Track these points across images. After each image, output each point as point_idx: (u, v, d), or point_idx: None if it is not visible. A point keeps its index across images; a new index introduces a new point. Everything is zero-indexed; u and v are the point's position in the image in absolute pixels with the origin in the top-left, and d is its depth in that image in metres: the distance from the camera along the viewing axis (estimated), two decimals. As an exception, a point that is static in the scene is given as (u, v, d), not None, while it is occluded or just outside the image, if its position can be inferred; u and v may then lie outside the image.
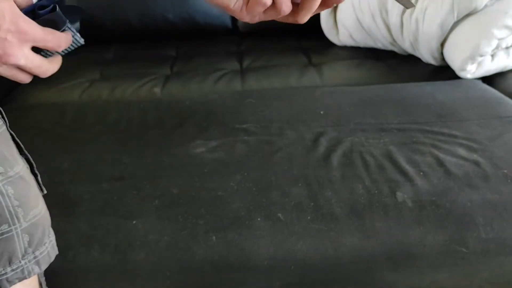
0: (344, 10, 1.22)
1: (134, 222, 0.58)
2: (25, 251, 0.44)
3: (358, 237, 0.55)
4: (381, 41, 1.18)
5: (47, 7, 0.47)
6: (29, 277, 0.45)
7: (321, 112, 0.81)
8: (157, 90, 1.07)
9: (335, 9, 1.26)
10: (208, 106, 0.86)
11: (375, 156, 0.68)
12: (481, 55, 0.95)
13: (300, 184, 0.63)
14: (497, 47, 0.96)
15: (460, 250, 0.54)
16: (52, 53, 0.49)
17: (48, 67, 0.47)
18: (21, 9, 0.44)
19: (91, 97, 1.06)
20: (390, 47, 1.19)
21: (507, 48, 0.98)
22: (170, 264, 0.54)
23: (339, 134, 0.74)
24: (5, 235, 0.42)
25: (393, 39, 1.15)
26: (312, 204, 0.59)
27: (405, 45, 1.12)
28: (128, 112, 0.85)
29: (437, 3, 0.99)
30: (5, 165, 0.43)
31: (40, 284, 0.51)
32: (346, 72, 1.13)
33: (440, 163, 0.65)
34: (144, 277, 0.54)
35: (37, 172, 0.49)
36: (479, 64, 0.98)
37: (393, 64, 1.14)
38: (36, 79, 0.48)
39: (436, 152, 0.68)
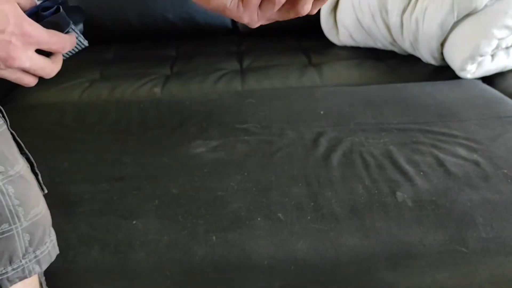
0: (344, 10, 1.22)
1: (134, 222, 0.58)
2: (26, 250, 0.44)
3: (358, 237, 0.55)
4: (381, 41, 1.18)
5: (50, 8, 0.46)
6: (30, 276, 0.45)
7: (321, 112, 0.81)
8: (157, 90, 1.07)
9: (335, 9, 1.27)
10: (208, 106, 0.86)
11: (375, 156, 0.68)
12: (481, 55, 0.95)
13: (300, 184, 0.63)
14: (497, 47, 0.96)
15: (460, 250, 0.54)
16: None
17: (52, 67, 0.47)
18: (24, 11, 0.43)
19: (91, 97, 1.06)
20: (390, 47, 1.19)
21: (507, 48, 0.98)
22: (170, 264, 0.54)
23: (339, 134, 0.74)
24: (5, 234, 0.42)
25: (393, 39, 1.15)
26: (312, 204, 0.59)
27: (405, 45, 1.12)
28: (128, 112, 0.85)
29: (437, 3, 0.99)
30: (6, 164, 0.43)
31: (40, 284, 0.51)
32: (346, 72, 1.13)
33: (440, 163, 0.65)
34: (144, 277, 0.54)
35: (37, 171, 0.49)
36: (479, 64, 0.98)
37: (393, 64, 1.14)
38: (36, 79, 0.48)
39: (436, 152, 0.68)
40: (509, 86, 0.98)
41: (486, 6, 0.94)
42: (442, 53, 1.05)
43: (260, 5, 0.45)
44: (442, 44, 1.03)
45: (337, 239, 0.55)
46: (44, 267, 0.46)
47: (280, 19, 0.47)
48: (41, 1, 0.48)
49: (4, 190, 0.42)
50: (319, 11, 1.29)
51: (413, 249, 0.54)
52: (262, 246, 0.55)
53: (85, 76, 1.15)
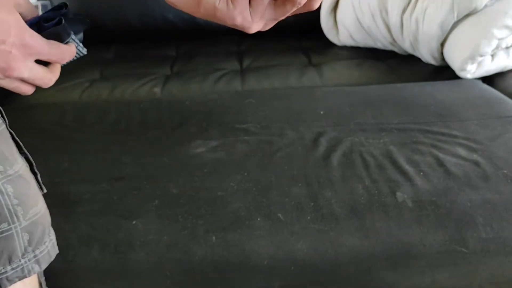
0: (344, 10, 1.22)
1: (134, 222, 0.58)
2: (25, 250, 0.44)
3: (358, 237, 0.55)
4: (381, 41, 1.18)
5: (52, 19, 0.46)
6: (29, 276, 0.45)
7: (321, 112, 0.81)
8: (157, 90, 1.07)
9: (335, 9, 1.27)
10: (208, 106, 0.86)
11: (375, 156, 0.68)
12: (481, 55, 0.95)
13: (300, 184, 0.63)
14: (497, 47, 0.96)
15: (460, 250, 0.54)
16: None
17: (50, 77, 0.47)
18: (26, 21, 0.43)
19: (91, 97, 1.06)
20: (390, 47, 1.19)
21: (507, 48, 0.98)
22: (170, 264, 0.54)
23: (339, 134, 0.74)
24: (4, 234, 0.42)
25: (393, 39, 1.15)
26: (312, 204, 0.59)
27: (405, 45, 1.12)
28: (128, 112, 0.85)
29: (437, 3, 0.99)
30: (5, 164, 0.43)
31: (40, 283, 0.51)
32: (346, 72, 1.13)
33: (440, 163, 0.65)
34: (144, 277, 0.54)
35: (36, 171, 0.49)
36: (479, 64, 0.98)
37: (393, 64, 1.14)
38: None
39: (436, 152, 0.68)
40: (509, 86, 0.98)
41: (486, 6, 0.94)
42: (442, 53, 1.05)
43: (250, 3, 0.42)
44: (442, 44, 1.03)
45: (337, 239, 0.55)
46: (44, 266, 0.46)
47: (278, 16, 0.44)
48: (43, 12, 0.48)
49: (3, 190, 0.42)
50: (319, 11, 1.29)
51: (413, 249, 0.54)
52: (262, 246, 0.55)
53: (85, 76, 1.15)
